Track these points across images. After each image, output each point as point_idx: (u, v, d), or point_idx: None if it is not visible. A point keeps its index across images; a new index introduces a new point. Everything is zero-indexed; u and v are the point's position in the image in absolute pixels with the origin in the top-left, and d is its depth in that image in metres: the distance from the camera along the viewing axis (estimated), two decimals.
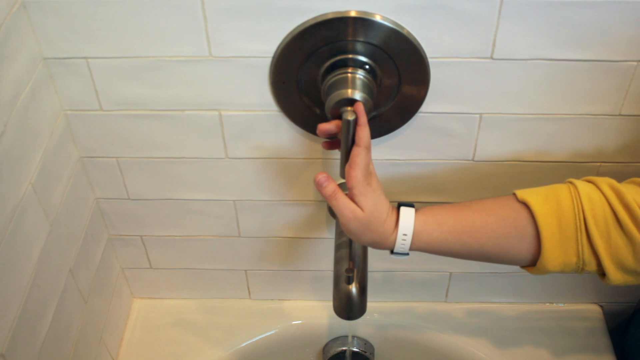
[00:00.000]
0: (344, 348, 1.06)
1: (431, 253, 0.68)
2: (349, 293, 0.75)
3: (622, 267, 0.63)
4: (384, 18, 0.68)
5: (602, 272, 0.65)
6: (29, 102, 0.71)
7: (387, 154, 0.84)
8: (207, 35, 0.71)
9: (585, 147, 0.82)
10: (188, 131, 0.81)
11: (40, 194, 0.74)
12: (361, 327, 1.06)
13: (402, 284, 1.04)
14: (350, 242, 0.80)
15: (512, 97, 0.76)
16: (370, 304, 0.81)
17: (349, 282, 0.75)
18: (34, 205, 0.73)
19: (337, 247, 0.81)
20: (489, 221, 0.66)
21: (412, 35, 0.70)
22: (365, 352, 1.06)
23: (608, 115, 0.78)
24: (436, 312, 1.06)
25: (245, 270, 1.03)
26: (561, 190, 0.65)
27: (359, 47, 0.70)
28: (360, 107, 0.66)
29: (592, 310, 1.06)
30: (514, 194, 0.67)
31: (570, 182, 0.66)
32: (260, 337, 1.04)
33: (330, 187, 0.65)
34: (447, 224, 0.66)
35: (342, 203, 0.65)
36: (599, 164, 0.84)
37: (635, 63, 0.72)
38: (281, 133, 0.81)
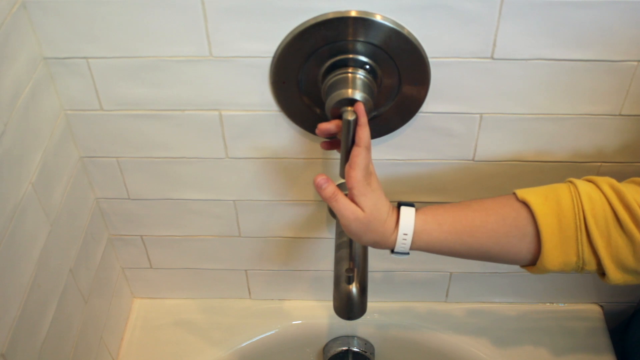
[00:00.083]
0: (344, 348, 1.06)
1: (431, 252, 0.68)
2: (349, 293, 0.75)
3: (622, 267, 0.63)
4: (384, 18, 0.68)
5: (602, 272, 0.65)
6: (29, 102, 0.71)
7: (387, 154, 0.84)
8: (208, 35, 0.71)
9: (586, 147, 0.82)
10: (188, 131, 0.81)
11: (41, 193, 0.74)
12: (361, 327, 1.06)
13: (403, 284, 1.04)
14: (351, 242, 0.80)
15: (512, 97, 0.76)
16: (371, 304, 0.81)
17: (349, 282, 0.75)
18: (34, 205, 0.73)
19: (338, 247, 0.81)
20: (489, 221, 0.66)
21: (412, 35, 0.70)
22: (366, 352, 1.06)
23: (608, 115, 0.78)
24: (436, 312, 1.06)
25: (246, 270, 1.03)
26: (561, 190, 0.65)
27: (360, 47, 0.70)
28: (360, 107, 0.66)
29: (592, 310, 1.06)
30: (514, 194, 0.67)
31: (571, 182, 0.66)
32: (261, 337, 1.04)
33: (330, 189, 0.65)
34: (447, 223, 0.66)
35: (343, 204, 0.65)
36: (599, 164, 0.84)
37: (635, 63, 0.72)
38: (281, 133, 0.81)
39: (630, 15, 0.68)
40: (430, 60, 0.72)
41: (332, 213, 0.92)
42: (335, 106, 0.69)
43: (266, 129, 0.81)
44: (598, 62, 0.72)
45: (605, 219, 0.62)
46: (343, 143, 0.67)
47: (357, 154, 0.64)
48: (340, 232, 0.83)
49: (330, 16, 0.68)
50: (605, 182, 0.64)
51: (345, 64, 0.71)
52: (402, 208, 0.67)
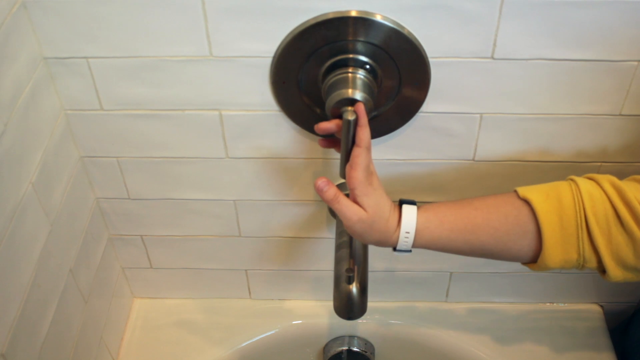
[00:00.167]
0: (344, 348, 1.06)
1: (433, 249, 0.68)
2: (350, 293, 0.75)
3: (623, 264, 0.64)
4: (384, 18, 0.68)
5: (602, 269, 0.65)
6: (29, 102, 0.71)
7: (388, 154, 0.84)
8: (208, 35, 0.71)
9: (586, 147, 0.82)
10: (188, 131, 0.81)
11: (41, 193, 0.74)
12: (361, 327, 1.06)
13: (403, 283, 1.04)
14: (351, 241, 0.80)
15: (512, 97, 0.76)
16: (371, 304, 0.81)
17: (350, 281, 0.75)
18: (34, 205, 0.73)
19: (338, 247, 0.81)
20: (491, 218, 0.66)
21: (412, 35, 0.70)
22: (366, 351, 1.06)
23: (609, 115, 0.78)
24: (437, 312, 1.06)
25: (246, 270, 1.03)
26: (562, 188, 0.65)
27: (360, 46, 0.70)
28: (361, 108, 0.66)
29: (592, 310, 1.06)
30: (516, 191, 0.67)
31: (572, 180, 0.66)
32: (261, 337, 1.04)
33: (332, 192, 0.65)
34: (449, 221, 0.67)
35: (345, 206, 0.65)
36: (599, 163, 0.84)
37: (636, 63, 0.72)
38: (281, 133, 0.81)
39: (630, 15, 0.68)
40: (430, 60, 0.72)
41: (333, 213, 0.92)
42: (335, 106, 0.69)
43: (266, 129, 0.81)
44: (598, 62, 0.72)
45: (606, 216, 0.62)
46: (343, 143, 0.67)
47: (358, 154, 0.64)
48: (340, 231, 0.83)
49: (331, 16, 0.68)
50: (606, 179, 0.64)
51: (345, 63, 0.71)
52: (404, 206, 0.67)
